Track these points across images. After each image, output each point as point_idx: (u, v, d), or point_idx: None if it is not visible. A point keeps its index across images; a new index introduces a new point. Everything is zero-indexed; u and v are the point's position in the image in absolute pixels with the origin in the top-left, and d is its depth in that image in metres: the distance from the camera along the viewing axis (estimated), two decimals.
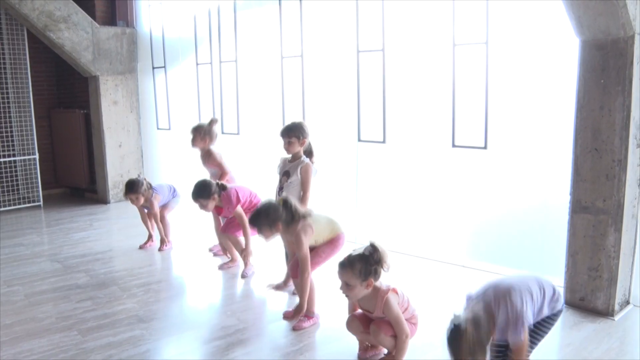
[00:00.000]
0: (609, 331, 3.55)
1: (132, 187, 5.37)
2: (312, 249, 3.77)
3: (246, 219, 4.53)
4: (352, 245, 5.33)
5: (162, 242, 5.59)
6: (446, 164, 4.90)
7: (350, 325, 3.24)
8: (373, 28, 5.22)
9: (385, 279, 3.10)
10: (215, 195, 4.66)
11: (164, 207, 5.62)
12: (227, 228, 4.83)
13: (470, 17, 4.53)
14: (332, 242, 3.82)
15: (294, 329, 3.70)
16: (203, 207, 4.70)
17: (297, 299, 4.06)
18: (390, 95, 5.20)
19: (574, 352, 3.29)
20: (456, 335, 2.39)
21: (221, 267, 4.99)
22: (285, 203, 3.64)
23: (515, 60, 4.40)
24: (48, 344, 3.53)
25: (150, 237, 5.70)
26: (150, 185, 5.49)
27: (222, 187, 4.72)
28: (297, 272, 3.73)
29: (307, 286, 3.68)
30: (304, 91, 5.93)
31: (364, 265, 2.94)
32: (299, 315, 3.75)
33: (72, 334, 3.67)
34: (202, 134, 5.20)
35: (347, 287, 2.99)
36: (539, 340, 2.76)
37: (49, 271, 5.00)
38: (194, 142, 5.23)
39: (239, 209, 4.66)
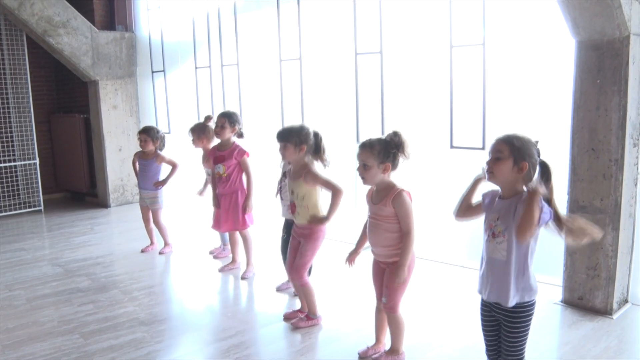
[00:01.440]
0: (607, 330, 3.57)
1: (146, 129, 5.57)
2: (297, 250, 3.75)
3: (252, 172, 4.67)
4: (348, 246, 5.37)
5: (162, 246, 5.63)
6: (445, 165, 4.92)
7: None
8: (371, 30, 5.25)
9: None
10: (236, 129, 4.70)
11: (155, 211, 5.61)
12: (229, 224, 4.80)
13: (467, 18, 4.56)
14: (315, 235, 3.68)
15: (293, 325, 3.76)
16: (220, 127, 4.67)
17: (297, 301, 4.08)
18: (389, 97, 5.22)
19: (572, 351, 3.31)
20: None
21: (222, 270, 5.01)
22: (317, 135, 3.68)
23: (512, 61, 4.43)
24: (50, 348, 3.55)
25: (151, 242, 5.74)
26: (163, 143, 5.62)
27: (240, 135, 4.78)
28: (294, 274, 3.74)
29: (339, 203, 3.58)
30: (302, 94, 5.96)
31: (383, 147, 2.98)
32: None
33: (74, 337, 3.69)
34: (198, 133, 5.22)
35: (364, 168, 3.01)
36: None
37: (51, 275, 5.02)
38: (194, 142, 5.26)
39: (247, 159, 4.68)
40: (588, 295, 3.83)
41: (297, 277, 3.73)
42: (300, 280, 3.73)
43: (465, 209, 2.65)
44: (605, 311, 3.76)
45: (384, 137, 3.04)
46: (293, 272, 3.74)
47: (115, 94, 7.93)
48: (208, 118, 5.27)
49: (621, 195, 3.63)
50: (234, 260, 5.05)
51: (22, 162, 7.92)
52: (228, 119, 4.70)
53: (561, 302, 3.97)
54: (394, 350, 3.22)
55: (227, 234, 5.28)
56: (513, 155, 2.35)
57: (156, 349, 3.52)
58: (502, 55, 4.46)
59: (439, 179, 5.00)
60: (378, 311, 3.30)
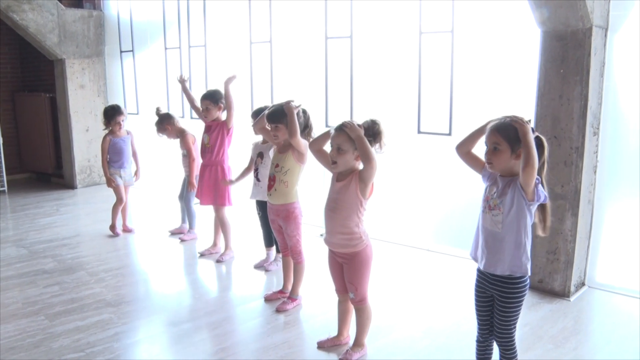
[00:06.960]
0: (564, 311, 3.70)
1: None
2: (282, 233, 3.82)
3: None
4: (319, 230, 5.40)
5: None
6: (412, 150, 4.99)
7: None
8: (341, 15, 5.26)
9: None
10: (222, 106, 4.67)
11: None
12: (210, 197, 4.78)
13: (437, 5, 4.60)
14: (293, 215, 3.73)
15: (278, 310, 3.77)
16: (206, 111, 4.69)
17: (275, 280, 4.11)
18: (358, 82, 5.26)
19: (531, 332, 3.43)
20: None
21: (203, 254, 4.94)
22: (305, 112, 3.76)
23: (480, 49, 4.50)
24: (14, 329, 3.52)
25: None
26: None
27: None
28: (295, 257, 3.80)
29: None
30: (272, 77, 5.95)
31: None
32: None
33: (39, 319, 3.67)
34: (160, 124, 5.28)
35: (338, 152, 2.91)
36: None
37: (15, 257, 4.95)
38: (167, 135, 5.33)
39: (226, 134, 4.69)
40: (547, 279, 3.96)
41: (297, 258, 3.81)
42: (299, 258, 3.81)
43: (467, 151, 2.62)
44: (563, 294, 3.90)
45: (361, 123, 2.95)
46: (294, 255, 3.81)
47: (83, 74, 7.78)
48: (158, 110, 5.34)
49: (581, 182, 3.75)
50: (214, 244, 5.01)
51: None
52: (210, 99, 4.69)
53: None
54: (359, 344, 3.16)
55: (185, 212, 5.40)
56: (510, 144, 2.38)
57: (123, 330, 3.52)
58: (470, 43, 4.52)
59: (406, 163, 5.07)
60: (340, 303, 3.26)
